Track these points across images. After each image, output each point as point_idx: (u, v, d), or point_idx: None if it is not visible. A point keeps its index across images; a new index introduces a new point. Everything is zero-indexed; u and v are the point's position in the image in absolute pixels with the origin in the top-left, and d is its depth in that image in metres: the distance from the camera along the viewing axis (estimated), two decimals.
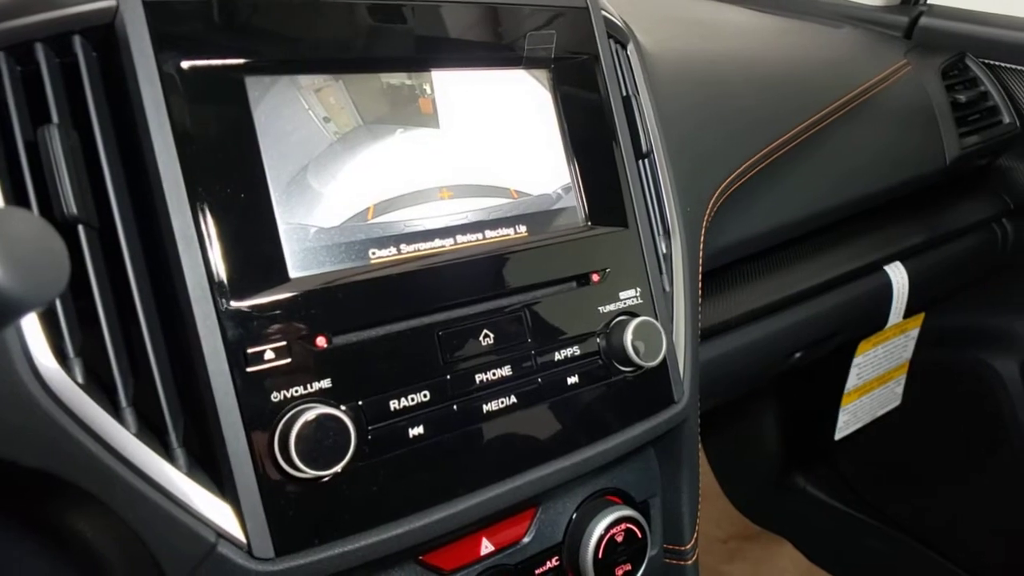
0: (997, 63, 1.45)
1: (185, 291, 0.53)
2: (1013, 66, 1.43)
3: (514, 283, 0.68)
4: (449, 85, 0.69)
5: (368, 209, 0.63)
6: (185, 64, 0.55)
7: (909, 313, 1.39)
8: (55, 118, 0.53)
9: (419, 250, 0.65)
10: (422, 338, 0.63)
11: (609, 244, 0.75)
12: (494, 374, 0.66)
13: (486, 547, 0.72)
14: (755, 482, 2.10)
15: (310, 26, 0.61)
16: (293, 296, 0.57)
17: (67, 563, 0.63)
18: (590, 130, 0.77)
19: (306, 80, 0.61)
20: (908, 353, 1.61)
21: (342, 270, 0.60)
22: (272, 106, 0.59)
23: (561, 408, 0.70)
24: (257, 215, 0.57)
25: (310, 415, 0.54)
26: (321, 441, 0.55)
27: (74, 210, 0.52)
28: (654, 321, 0.74)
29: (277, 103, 0.59)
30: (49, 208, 0.52)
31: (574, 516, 0.77)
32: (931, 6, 1.54)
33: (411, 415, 0.61)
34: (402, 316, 0.62)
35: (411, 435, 0.61)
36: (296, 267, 0.58)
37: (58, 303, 0.52)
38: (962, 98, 1.38)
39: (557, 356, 0.70)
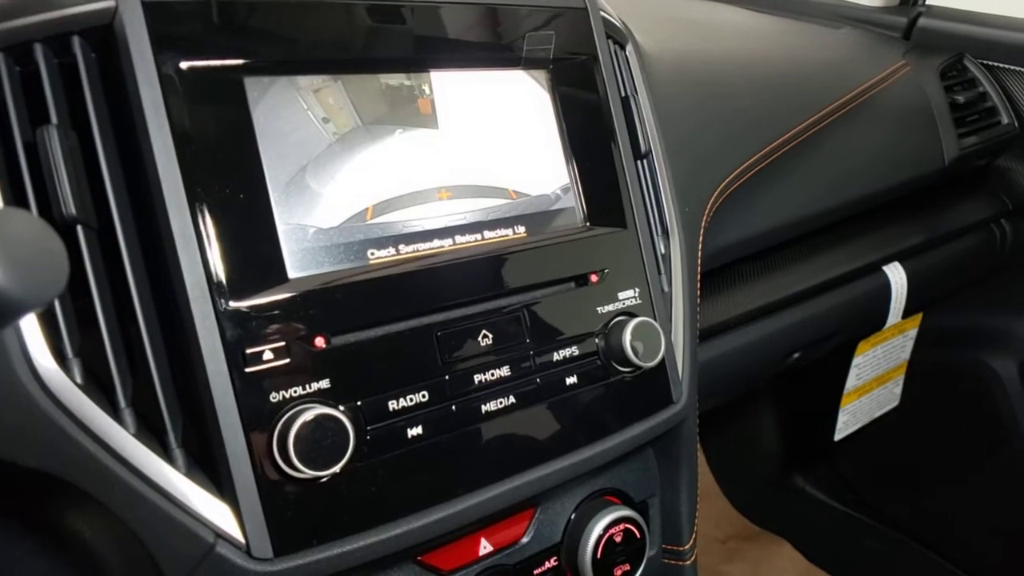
0: (996, 64, 1.45)
1: (184, 291, 0.53)
2: (1012, 67, 1.43)
3: (513, 283, 0.68)
4: (448, 86, 0.69)
5: (367, 210, 0.63)
6: (184, 65, 0.55)
7: (908, 313, 1.39)
8: (54, 119, 0.53)
9: (418, 250, 0.65)
10: (421, 338, 0.63)
11: (608, 244, 0.75)
12: (493, 374, 0.66)
13: (485, 547, 0.72)
14: (754, 482, 2.11)
15: (309, 27, 0.61)
16: (292, 296, 0.57)
17: (66, 563, 0.63)
18: (589, 131, 0.77)
19: (305, 81, 0.61)
20: (906, 354, 1.61)
21: (341, 270, 0.60)
22: (271, 107, 0.59)
23: (560, 408, 0.70)
24: (256, 216, 0.57)
25: (309, 415, 0.54)
26: (320, 441, 0.55)
27: (73, 211, 0.52)
28: (653, 321, 0.74)
29: (276, 104, 0.59)
30: (48, 209, 0.52)
31: (573, 516, 0.78)
32: (930, 7, 1.54)
33: (410, 415, 0.61)
34: (401, 316, 0.62)
35: (410, 435, 0.61)
36: (295, 267, 0.58)
37: (57, 304, 0.52)
38: (961, 99, 1.38)
39: (556, 356, 0.70)
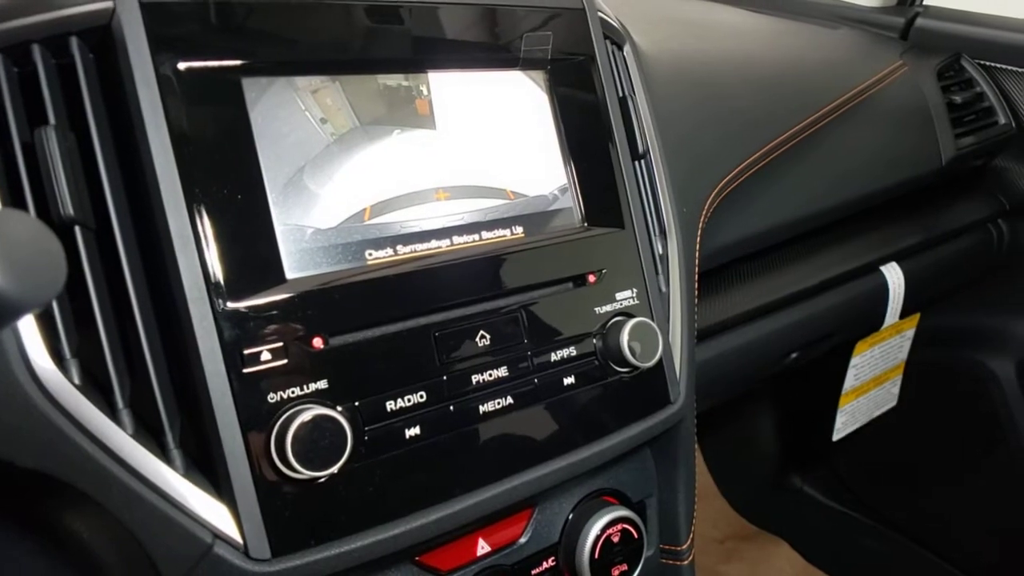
0: (993, 64, 1.45)
1: (182, 292, 0.53)
2: (1009, 67, 1.43)
3: (511, 284, 0.68)
4: (445, 86, 0.69)
5: (365, 210, 0.63)
6: (182, 65, 0.55)
7: (905, 314, 1.40)
8: (52, 119, 0.53)
9: (416, 251, 0.65)
10: (419, 339, 0.63)
11: (605, 245, 0.75)
12: (491, 375, 0.66)
13: (482, 547, 0.72)
14: (752, 482, 2.11)
15: (307, 27, 0.61)
16: (290, 297, 0.57)
17: (64, 563, 0.63)
18: (586, 131, 0.77)
19: (303, 81, 0.61)
20: (904, 354, 1.61)
21: (339, 271, 0.60)
22: (269, 107, 0.59)
23: (557, 409, 0.70)
24: (254, 216, 0.57)
25: (307, 416, 0.54)
26: (317, 442, 0.55)
27: (71, 211, 0.52)
28: (650, 322, 0.74)
29: (274, 104, 0.59)
30: (46, 210, 0.52)
31: (570, 516, 0.78)
32: (927, 7, 1.54)
33: (408, 416, 0.61)
34: (399, 317, 0.62)
35: (408, 436, 0.61)
36: (293, 268, 0.58)
37: (55, 304, 0.52)
38: (958, 99, 1.38)
39: (553, 357, 0.70)
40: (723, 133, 1.01)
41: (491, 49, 0.72)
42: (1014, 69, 1.43)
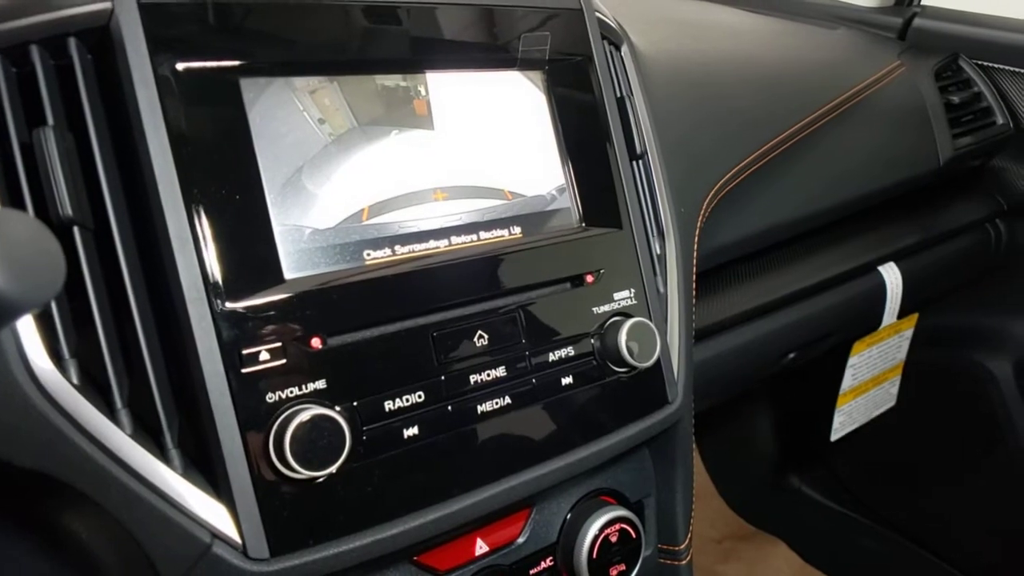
0: (990, 64, 1.45)
1: (180, 292, 0.53)
2: (1006, 67, 1.44)
3: (508, 284, 0.69)
4: (443, 87, 0.69)
5: (363, 211, 0.63)
6: (180, 66, 0.55)
7: (903, 314, 1.40)
8: (50, 120, 0.53)
9: (414, 251, 0.65)
10: (417, 339, 0.63)
11: (603, 245, 0.75)
12: (489, 375, 0.66)
13: (481, 547, 0.72)
14: (750, 482, 2.11)
15: (305, 28, 0.61)
16: (288, 297, 0.57)
17: (63, 563, 0.63)
18: (584, 131, 0.77)
19: (301, 82, 0.61)
20: (902, 354, 1.61)
21: (337, 271, 0.61)
22: (267, 108, 0.59)
23: (555, 409, 0.70)
24: (252, 217, 0.57)
25: (305, 416, 0.55)
26: (316, 442, 0.55)
27: (69, 212, 0.52)
28: (648, 322, 0.74)
29: (272, 105, 0.60)
30: (44, 210, 0.52)
31: (568, 516, 0.78)
32: (924, 7, 1.54)
33: (406, 416, 0.61)
34: (397, 317, 0.62)
35: (406, 436, 0.61)
36: (291, 268, 0.58)
37: (53, 304, 0.52)
38: (956, 99, 1.38)
39: (551, 357, 0.70)
40: (721, 133, 1.01)
41: (489, 49, 0.72)
42: (1012, 69, 1.43)
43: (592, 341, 0.73)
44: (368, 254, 0.63)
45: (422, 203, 0.66)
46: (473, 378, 0.65)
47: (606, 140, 0.78)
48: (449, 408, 0.64)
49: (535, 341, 0.69)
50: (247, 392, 0.55)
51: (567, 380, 0.71)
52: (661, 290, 0.81)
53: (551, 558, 0.77)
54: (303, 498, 0.56)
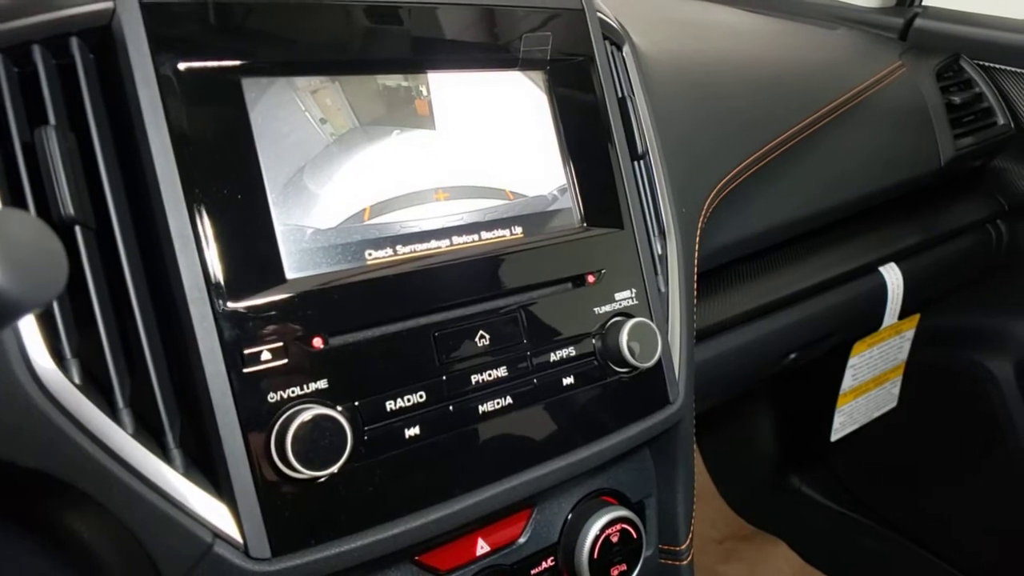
0: (992, 65, 1.45)
1: (182, 292, 0.53)
2: (1008, 68, 1.44)
3: (510, 284, 0.69)
4: (445, 87, 0.69)
5: (364, 210, 0.63)
6: (182, 66, 0.55)
7: (904, 314, 1.40)
8: (52, 120, 0.53)
9: (415, 251, 0.65)
10: (418, 339, 0.63)
11: (605, 245, 0.75)
12: (490, 375, 0.66)
13: (482, 547, 0.72)
14: (750, 483, 2.11)
15: (306, 28, 0.61)
16: (290, 297, 0.57)
17: (65, 563, 0.63)
18: (586, 132, 0.77)
19: (302, 82, 0.61)
20: (904, 354, 1.61)
21: (338, 271, 0.61)
22: (269, 108, 0.59)
23: (557, 409, 0.70)
24: (254, 216, 0.57)
25: (306, 416, 0.55)
26: (317, 442, 0.55)
27: (71, 211, 0.52)
28: (649, 322, 0.74)
29: (273, 105, 0.60)
30: (46, 209, 0.52)
31: (570, 516, 0.78)
32: (926, 8, 1.54)
33: (407, 416, 0.62)
34: (398, 317, 0.62)
35: (407, 436, 0.61)
36: (293, 268, 0.58)
37: (55, 304, 0.52)
38: (957, 99, 1.38)
39: (553, 357, 0.70)
40: (722, 134, 1.01)
41: (490, 49, 0.72)
42: (1013, 70, 1.43)
43: (593, 341, 0.73)
44: (370, 254, 0.63)
45: (424, 203, 0.66)
46: (474, 378, 0.65)
47: (607, 140, 0.78)
48: (450, 408, 0.64)
49: (536, 341, 0.69)
50: (249, 392, 0.55)
51: (568, 380, 0.71)
52: (662, 290, 0.81)
53: (552, 558, 0.77)
54: (305, 498, 0.56)
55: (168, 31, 0.55)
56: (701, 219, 0.91)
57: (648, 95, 0.86)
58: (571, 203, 0.75)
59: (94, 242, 0.54)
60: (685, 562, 0.87)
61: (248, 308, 0.55)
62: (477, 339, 0.66)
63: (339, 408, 0.57)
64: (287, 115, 0.60)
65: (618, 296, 0.75)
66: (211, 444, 0.54)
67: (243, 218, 0.56)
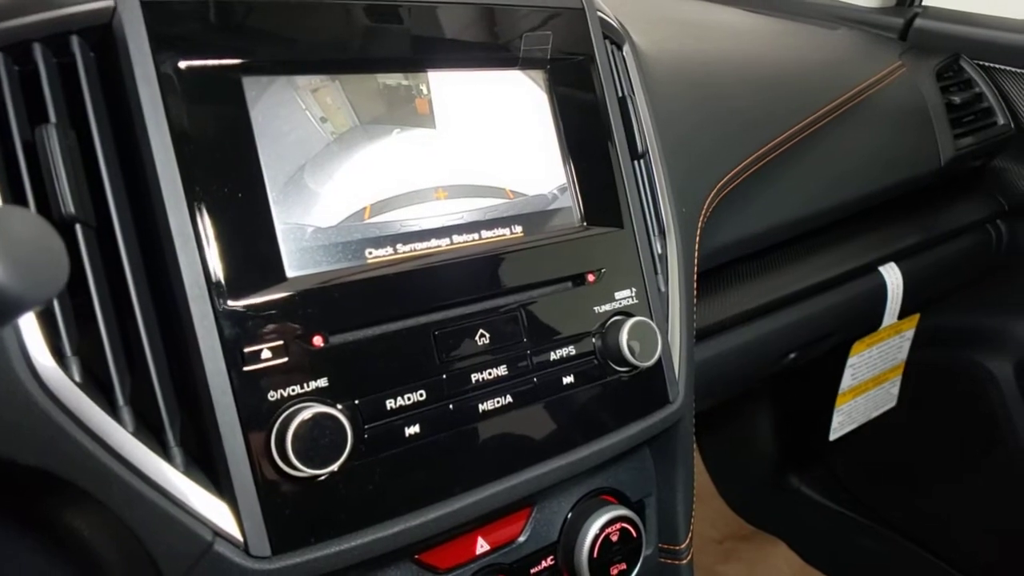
0: (992, 65, 1.45)
1: (182, 290, 0.53)
2: (1008, 68, 1.44)
3: (510, 283, 0.69)
4: (445, 85, 0.69)
5: (365, 209, 0.63)
6: (182, 64, 0.55)
7: (904, 314, 1.40)
8: (53, 118, 0.53)
9: (415, 250, 0.65)
10: (418, 338, 0.63)
11: (605, 244, 0.75)
12: (490, 374, 0.66)
13: (482, 546, 0.72)
14: (750, 482, 2.11)
15: (307, 27, 0.61)
16: (290, 295, 0.57)
17: (65, 561, 0.63)
18: (586, 131, 0.77)
19: (303, 80, 0.61)
20: (903, 354, 1.61)
21: (339, 270, 0.61)
22: (269, 106, 0.59)
23: (556, 408, 0.70)
24: (254, 215, 0.57)
25: (307, 414, 0.55)
26: (317, 440, 0.55)
27: (72, 209, 0.52)
28: (649, 321, 0.74)
29: (274, 103, 0.60)
30: (47, 207, 0.52)
31: (569, 515, 0.78)
32: (926, 8, 1.54)
33: (407, 414, 0.62)
34: (398, 315, 0.62)
35: (407, 434, 0.61)
36: (293, 266, 0.58)
37: (56, 302, 0.52)
38: (957, 99, 1.38)
39: (553, 356, 0.70)
40: (722, 133, 1.01)
41: (491, 48, 0.72)
42: (1013, 70, 1.43)
43: (593, 340, 0.73)
44: (370, 252, 0.63)
45: (424, 202, 0.66)
46: (474, 377, 0.66)
47: (607, 139, 0.78)
48: (450, 407, 0.64)
49: (536, 340, 0.69)
50: (249, 390, 0.55)
51: (568, 379, 0.71)
52: (662, 289, 0.81)
53: (552, 557, 0.77)
54: (305, 496, 0.56)
55: (169, 29, 0.55)
56: (701, 218, 0.91)
57: (648, 94, 0.86)
58: (571, 202, 0.75)
59: (94, 240, 0.54)
60: (685, 561, 0.87)
61: (248, 306, 0.55)
62: (477, 338, 0.66)
63: (339, 406, 0.57)
64: (288, 114, 0.60)
65: (618, 295, 0.75)
66: (211, 442, 0.54)
67: (243, 216, 0.56)
